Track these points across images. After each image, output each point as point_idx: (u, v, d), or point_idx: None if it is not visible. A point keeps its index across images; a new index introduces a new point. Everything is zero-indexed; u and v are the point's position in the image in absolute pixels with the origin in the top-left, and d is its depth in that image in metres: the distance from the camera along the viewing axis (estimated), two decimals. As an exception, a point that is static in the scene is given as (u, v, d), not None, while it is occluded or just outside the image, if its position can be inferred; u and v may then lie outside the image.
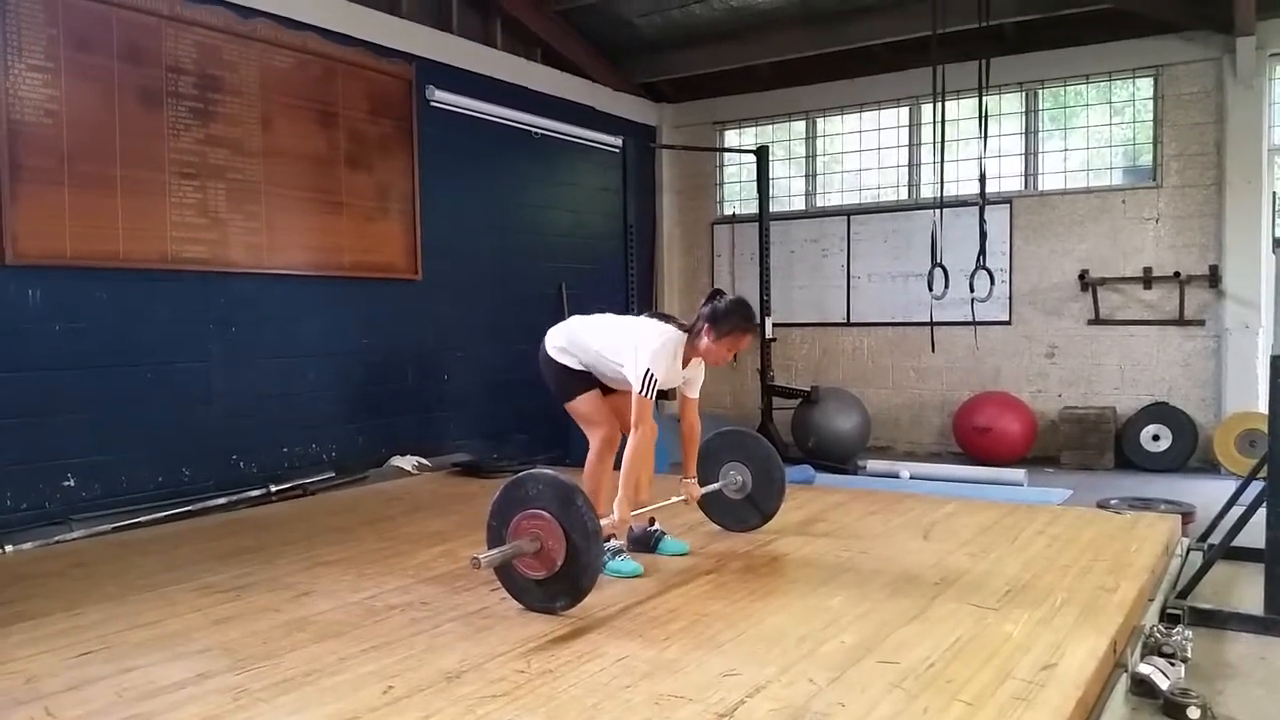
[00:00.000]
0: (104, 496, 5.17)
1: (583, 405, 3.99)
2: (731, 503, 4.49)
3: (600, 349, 3.92)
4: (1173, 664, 3.13)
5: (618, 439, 3.99)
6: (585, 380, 3.98)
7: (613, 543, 3.78)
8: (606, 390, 4.03)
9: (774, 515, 4.52)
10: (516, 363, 7.56)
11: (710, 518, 4.58)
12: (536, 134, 8.01)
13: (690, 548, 4.19)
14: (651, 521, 4.17)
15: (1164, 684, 3.00)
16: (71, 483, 5.08)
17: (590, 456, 4.04)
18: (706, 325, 3.83)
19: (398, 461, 6.63)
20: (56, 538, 4.71)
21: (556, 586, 3.30)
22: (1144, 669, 3.05)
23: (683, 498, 4.19)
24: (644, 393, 3.72)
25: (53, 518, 4.91)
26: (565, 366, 3.99)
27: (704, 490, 4.31)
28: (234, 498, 5.56)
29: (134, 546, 4.57)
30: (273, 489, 5.74)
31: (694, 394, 4.08)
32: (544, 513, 3.27)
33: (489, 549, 3.33)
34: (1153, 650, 3.24)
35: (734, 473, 4.48)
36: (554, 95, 8.34)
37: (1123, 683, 2.96)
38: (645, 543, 4.14)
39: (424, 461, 6.72)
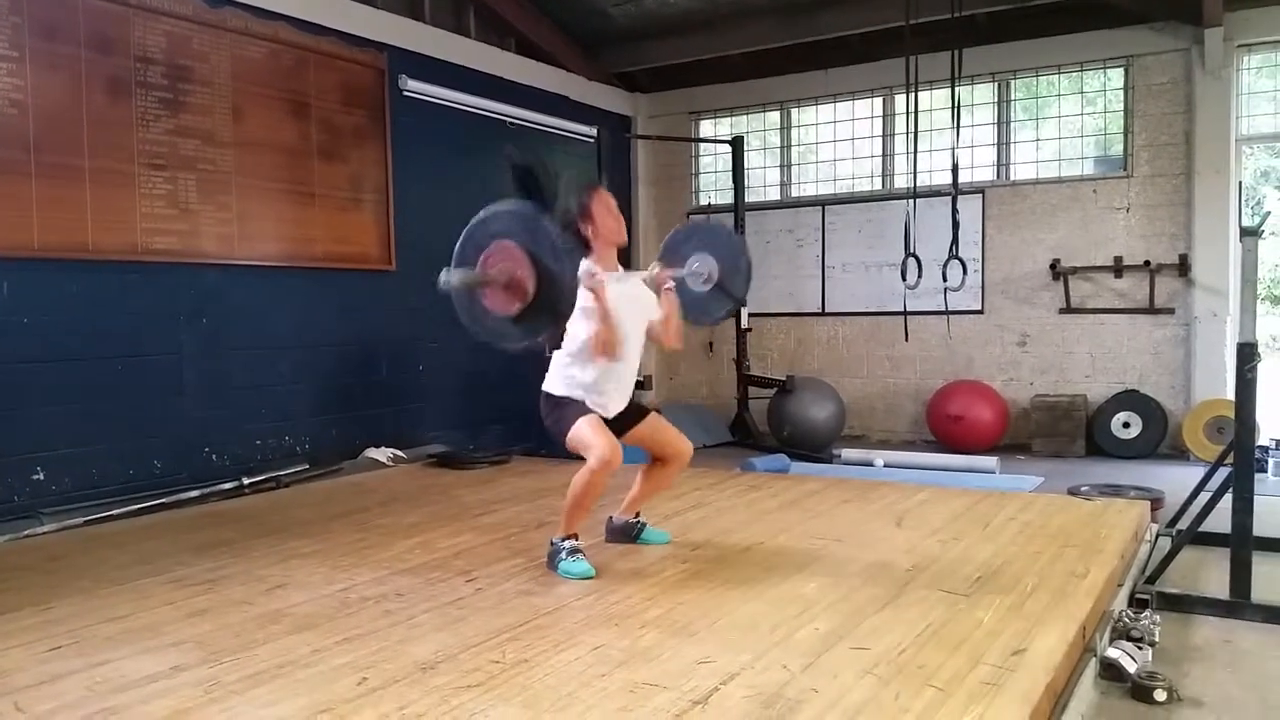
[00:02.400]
0: (74, 489, 5.13)
1: (582, 430, 3.67)
2: (697, 296, 4.27)
3: (575, 334, 3.72)
4: (1140, 648, 3.18)
5: (617, 464, 3.63)
6: (582, 408, 3.74)
7: (569, 542, 3.71)
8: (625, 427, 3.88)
9: (743, 300, 4.41)
10: (491, 354, 7.51)
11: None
12: (511, 124, 7.98)
13: (671, 538, 4.19)
14: (636, 514, 4.16)
15: (1131, 668, 3.05)
16: (41, 476, 5.04)
17: (581, 472, 3.68)
18: (579, 227, 3.73)
19: (372, 453, 6.61)
20: (26, 532, 4.67)
21: (535, 317, 3.21)
22: (1112, 653, 3.09)
23: (647, 274, 3.99)
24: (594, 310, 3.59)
25: (22, 511, 4.86)
26: (560, 397, 3.77)
27: (670, 273, 4.05)
28: (206, 490, 5.52)
29: (105, 540, 4.53)
30: (245, 481, 5.69)
31: (658, 315, 3.95)
32: (507, 242, 3.18)
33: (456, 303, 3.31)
34: (1121, 635, 3.28)
35: (697, 264, 4.30)
36: (528, 85, 8.31)
37: (1092, 667, 3.01)
38: (628, 533, 4.12)
39: (399, 453, 6.70)
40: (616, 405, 3.84)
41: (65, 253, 5.13)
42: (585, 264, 3.68)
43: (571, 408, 3.74)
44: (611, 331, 3.66)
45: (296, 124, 6.34)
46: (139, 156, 5.46)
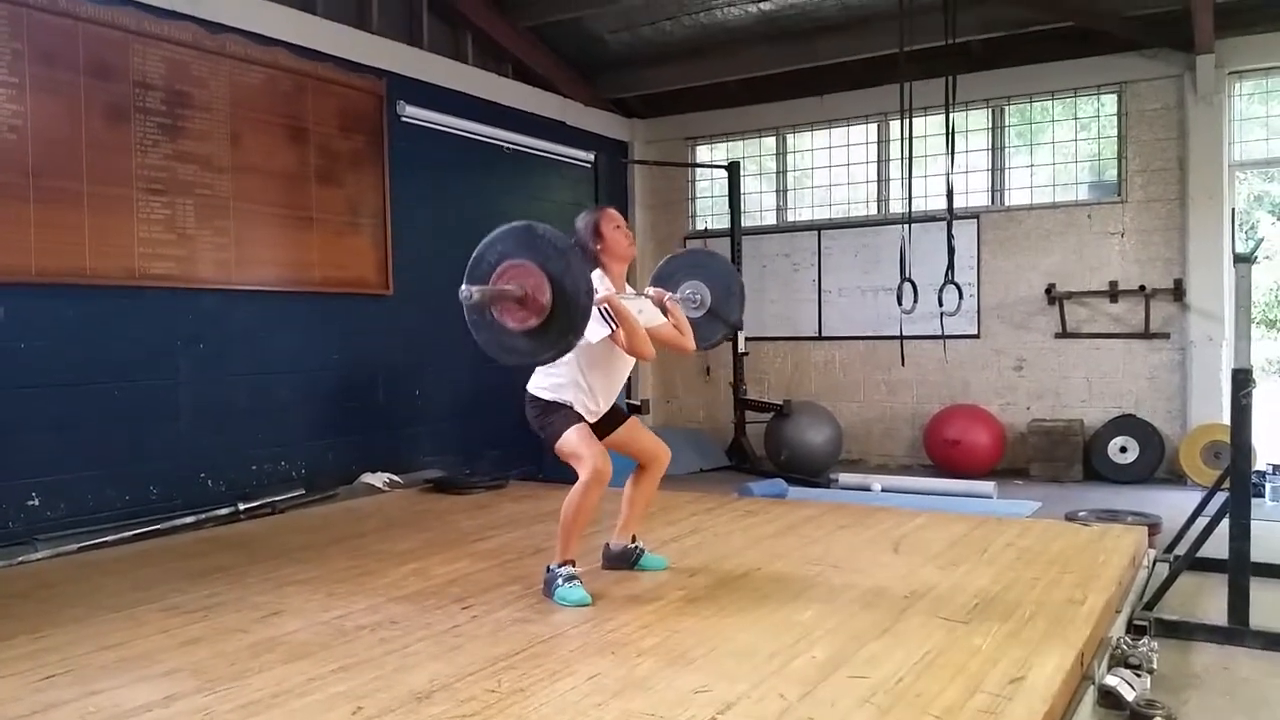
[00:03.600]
0: (69, 516, 5.10)
1: (571, 438, 3.70)
2: (693, 322, 4.29)
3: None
4: (1139, 675, 3.17)
5: (608, 476, 3.68)
6: (571, 414, 3.76)
7: (565, 569, 3.69)
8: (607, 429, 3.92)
9: (739, 326, 4.47)
10: (488, 378, 7.54)
11: None
12: (508, 149, 8.02)
13: (668, 563, 4.17)
14: (633, 539, 4.14)
15: (1130, 695, 3.03)
16: (36, 502, 5.01)
17: (574, 490, 3.69)
18: (590, 243, 3.81)
19: (368, 478, 6.59)
20: (20, 558, 4.64)
21: (556, 324, 3.32)
22: (1110, 681, 3.08)
23: (649, 294, 4.06)
24: (615, 325, 3.63)
25: (17, 538, 4.83)
26: (548, 402, 3.78)
27: (668, 296, 4.11)
28: (202, 516, 5.49)
29: (100, 566, 4.51)
30: (241, 507, 5.67)
31: (660, 321, 4.00)
32: (513, 260, 3.30)
33: (477, 334, 3.46)
34: (1119, 662, 3.28)
35: (690, 290, 4.41)
36: (525, 110, 8.35)
37: (1090, 695, 2.99)
38: (626, 559, 4.10)
39: (395, 478, 6.69)
40: (603, 407, 3.90)
41: (62, 278, 5.13)
42: (593, 278, 3.67)
43: (560, 414, 3.77)
44: (637, 332, 3.70)
45: (295, 149, 6.37)
46: (137, 181, 5.48)
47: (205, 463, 5.79)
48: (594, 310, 3.52)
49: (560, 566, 3.70)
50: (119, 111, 5.41)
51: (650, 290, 4.13)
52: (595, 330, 3.60)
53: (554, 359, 3.55)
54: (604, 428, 3.91)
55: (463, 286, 3.34)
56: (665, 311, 4.04)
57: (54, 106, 5.11)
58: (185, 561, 4.53)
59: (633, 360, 3.91)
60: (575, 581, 3.68)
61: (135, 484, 5.43)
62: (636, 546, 4.14)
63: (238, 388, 6.01)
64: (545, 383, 3.82)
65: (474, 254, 3.50)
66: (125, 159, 5.43)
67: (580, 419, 3.78)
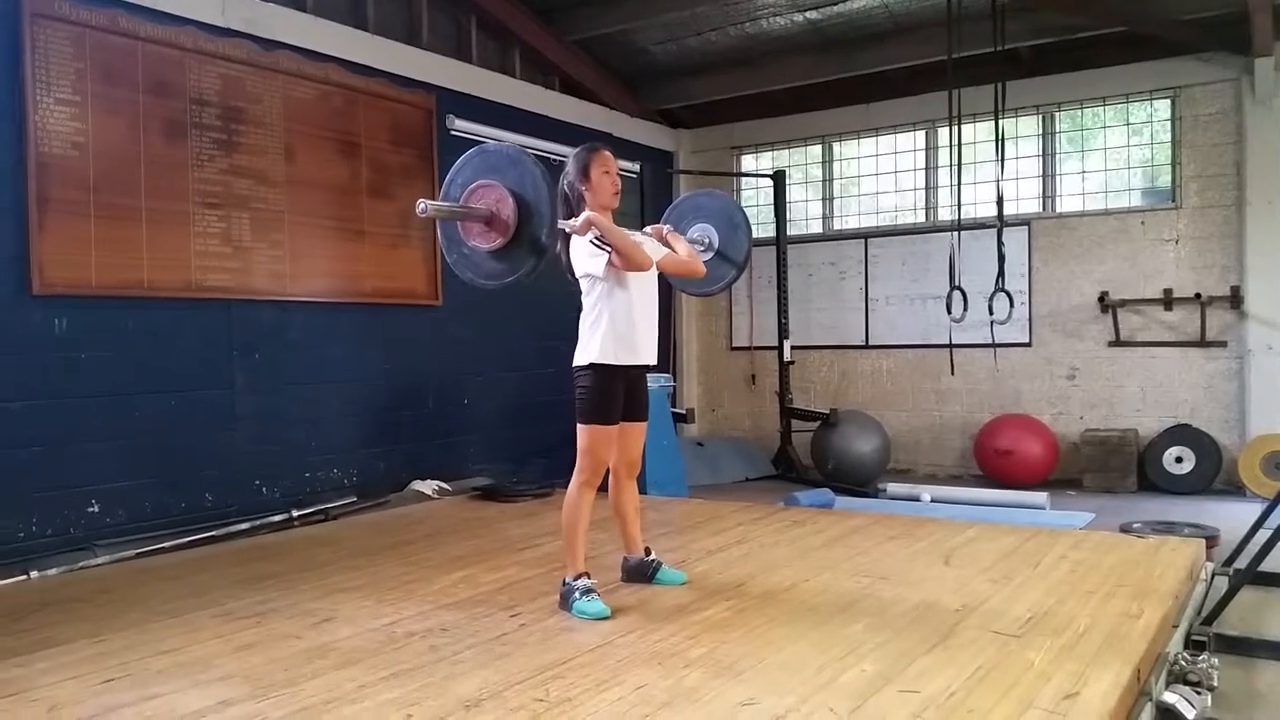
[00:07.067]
0: (128, 522, 5.22)
1: (594, 433, 3.75)
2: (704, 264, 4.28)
3: (586, 290, 3.78)
4: (1198, 692, 3.09)
5: (598, 483, 3.80)
6: (609, 410, 3.76)
7: (581, 581, 3.67)
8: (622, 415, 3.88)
9: (747, 263, 4.52)
10: (535, 387, 7.60)
11: (686, 291, 4.49)
12: (555, 161, 8.05)
13: (688, 577, 4.09)
14: (648, 551, 4.10)
15: (1190, 713, 2.96)
16: (96, 509, 5.14)
17: (571, 491, 3.80)
18: (578, 181, 3.74)
19: (418, 486, 6.66)
20: (81, 563, 4.76)
21: (518, 250, 3.39)
22: (1169, 698, 3.01)
23: (647, 233, 4.06)
24: (609, 249, 3.60)
25: (78, 543, 4.95)
26: (584, 365, 3.74)
27: (667, 229, 4.11)
28: (256, 522, 5.59)
29: (157, 572, 4.60)
30: (295, 514, 5.76)
31: (664, 253, 4.00)
32: (491, 181, 3.36)
33: (459, 271, 3.62)
34: (1178, 678, 3.20)
35: (698, 233, 4.41)
36: (572, 123, 8.40)
37: (1147, 712, 2.93)
38: (643, 572, 4.05)
39: (444, 486, 6.75)
40: (646, 352, 3.84)
41: (121, 290, 5.26)
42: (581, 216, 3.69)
43: (597, 395, 3.72)
44: (628, 246, 3.65)
45: (347, 163, 6.47)
46: (194, 196, 5.60)
47: (260, 470, 5.89)
48: (587, 242, 3.59)
49: (576, 579, 3.67)
50: (176, 128, 5.53)
51: (649, 228, 4.14)
52: (594, 262, 3.64)
53: (529, 275, 3.52)
54: (632, 404, 3.86)
55: (418, 201, 3.42)
56: (668, 246, 4.04)
57: (114, 124, 5.25)
58: (240, 567, 4.60)
59: (654, 289, 3.87)
60: (592, 594, 3.64)
61: (192, 491, 5.54)
62: (653, 560, 4.08)
63: (292, 397, 6.11)
64: (582, 339, 3.78)
65: (461, 158, 3.59)
66: (182, 174, 5.56)
67: (615, 421, 3.77)
